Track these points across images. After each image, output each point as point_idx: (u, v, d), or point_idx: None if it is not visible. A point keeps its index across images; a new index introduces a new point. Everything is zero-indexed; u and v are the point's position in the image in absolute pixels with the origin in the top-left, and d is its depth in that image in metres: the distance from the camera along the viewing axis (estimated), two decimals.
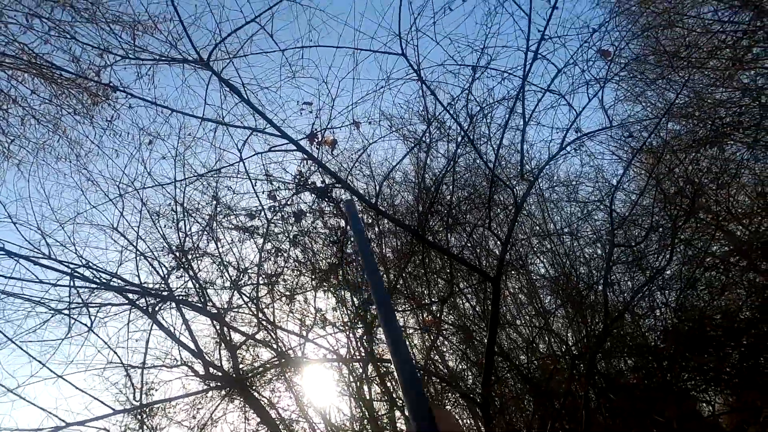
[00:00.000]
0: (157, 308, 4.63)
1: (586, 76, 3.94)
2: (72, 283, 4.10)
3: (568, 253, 5.86)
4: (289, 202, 4.10)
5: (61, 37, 4.74)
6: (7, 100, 5.34)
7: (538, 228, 6.35)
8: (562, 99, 3.60)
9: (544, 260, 6.38)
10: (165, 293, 4.81)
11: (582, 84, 3.66)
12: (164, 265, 4.99)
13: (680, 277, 4.82)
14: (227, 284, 4.92)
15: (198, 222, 5.14)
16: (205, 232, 4.93)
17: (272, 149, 3.63)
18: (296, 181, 3.85)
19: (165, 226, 5.19)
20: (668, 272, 4.89)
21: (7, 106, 5.55)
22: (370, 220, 4.51)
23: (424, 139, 4.34)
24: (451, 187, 4.66)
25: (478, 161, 4.18)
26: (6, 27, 4.99)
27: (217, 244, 4.61)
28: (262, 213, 4.14)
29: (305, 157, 3.68)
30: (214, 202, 4.44)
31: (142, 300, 4.49)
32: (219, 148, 4.49)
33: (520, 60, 3.35)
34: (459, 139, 3.88)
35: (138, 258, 4.77)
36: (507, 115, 3.64)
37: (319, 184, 3.91)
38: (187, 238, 5.04)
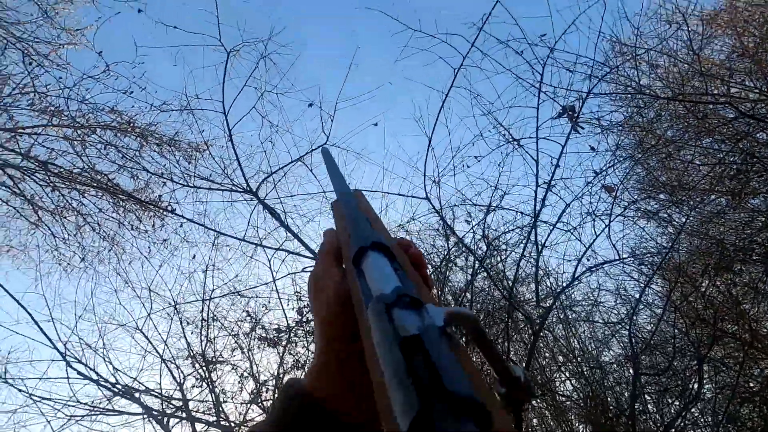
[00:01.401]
0: (169, 421, 4.64)
1: (592, 208, 4.33)
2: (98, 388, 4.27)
3: (594, 375, 5.70)
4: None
5: (130, 164, 5.55)
6: (73, 213, 6.05)
7: (562, 347, 6.26)
8: (572, 232, 3.92)
9: (571, 381, 6.18)
10: (180, 404, 4.85)
11: (589, 219, 4.01)
12: (183, 372, 5.09)
13: (714, 408, 4.61)
14: (245, 396, 4.94)
15: (224, 327, 5.35)
16: (231, 343, 5.11)
17: (305, 270, 3.98)
18: None
19: (192, 332, 5.41)
20: (700, 403, 4.69)
21: (66, 215, 6.25)
22: None
23: (441, 268, 4.64)
24: (470, 304, 4.84)
25: (495, 284, 4.41)
26: (84, 152, 5.90)
27: (245, 354, 4.75)
28: (288, 329, 4.35)
29: None
30: (246, 315, 4.69)
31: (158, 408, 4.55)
32: (252, 258, 4.91)
33: (532, 192, 3.77)
34: (476, 265, 4.16)
35: (160, 364, 4.92)
36: (522, 246, 3.95)
37: None
38: (210, 345, 5.21)
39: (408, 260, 0.49)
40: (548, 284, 4.32)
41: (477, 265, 4.30)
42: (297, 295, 4.20)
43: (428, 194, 3.51)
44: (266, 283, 4.10)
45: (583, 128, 3.39)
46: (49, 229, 6.02)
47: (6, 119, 5.02)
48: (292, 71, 4.30)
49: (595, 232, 3.84)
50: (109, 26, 5.14)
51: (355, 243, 0.46)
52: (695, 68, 5.73)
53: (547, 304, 4.05)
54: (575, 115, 3.23)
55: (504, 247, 4.28)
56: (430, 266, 4.49)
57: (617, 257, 3.99)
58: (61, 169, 5.65)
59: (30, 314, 3.87)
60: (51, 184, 5.67)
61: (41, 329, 4.06)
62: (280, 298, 4.05)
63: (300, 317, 4.22)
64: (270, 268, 4.45)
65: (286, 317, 4.14)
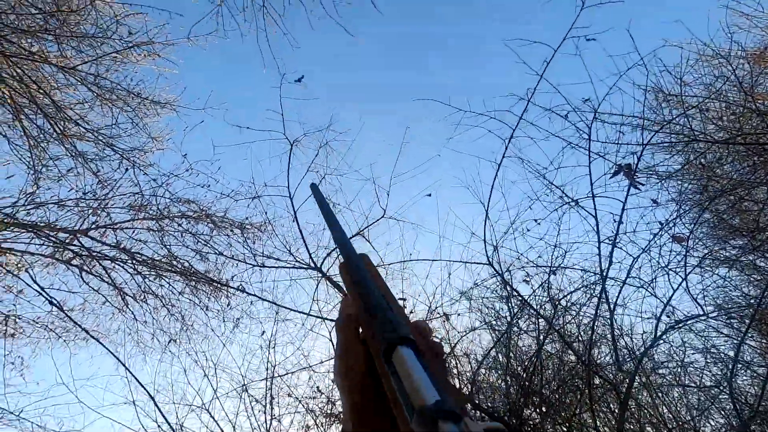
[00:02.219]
0: None
1: (664, 262, 4.13)
2: None
3: None
4: None
5: (205, 248, 6.08)
6: (153, 296, 6.58)
7: (649, 415, 5.63)
8: (645, 287, 3.74)
9: None
10: None
11: (662, 272, 3.83)
12: None
13: None
14: None
15: (289, 405, 5.36)
16: (298, 420, 5.09)
17: None
18: None
19: (258, 411, 5.46)
20: None
21: (147, 299, 6.79)
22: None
23: (507, 332, 4.52)
24: (540, 372, 4.58)
25: (569, 346, 4.19)
26: (165, 239, 6.53)
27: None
28: None
29: None
30: (317, 390, 4.72)
31: None
32: (316, 332, 5.02)
33: (595, 249, 3.68)
34: (543, 326, 4.02)
35: None
36: (593, 306, 3.80)
37: None
38: (276, 423, 5.21)
39: (427, 344, 0.55)
40: (624, 344, 4.05)
41: (546, 327, 4.15)
42: None
43: (490, 259, 3.55)
44: (329, 360, 4.16)
45: (642, 185, 3.37)
46: (132, 313, 6.55)
47: (104, 216, 5.73)
48: (349, 153, 4.68)
49: (672, 287, 3.64)
50: (191, 130, 5.93)
51: (382, 333, 0.50)
52: (749, 107, 5.59)
53: (628, 368, 3.76)
54: (632, 172, 3.24)
55: (573, 307, 4.12)
56: (495, 331, 4.37)
57: (702, 312, 3.71)
58: (146, 257, 6.27)
59: (153, 399, 4.09)
60: (136, 272, 6.27)
61: (159, 410, 4.26)
62: None
63: None
64: (331, 341, 4.54)
65: None
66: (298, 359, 4.90)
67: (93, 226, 5.91)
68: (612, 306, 3.86)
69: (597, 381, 4.11)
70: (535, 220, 3.61)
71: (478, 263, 3.58)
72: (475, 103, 3.45)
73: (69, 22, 5.90)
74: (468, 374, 4.18)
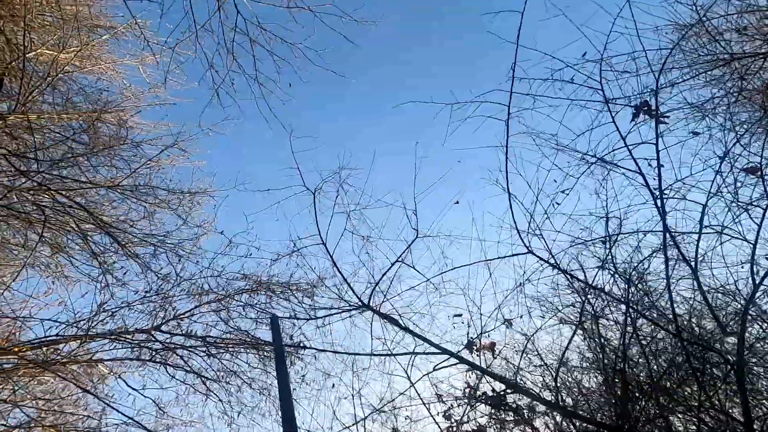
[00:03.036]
0: None
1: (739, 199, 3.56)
2: None
3: None
4: (465, 419, 3.93)
5: (263, 316, 6.22)
6: (232, 375, 6.76)
7: None
8: (722, 233, 3.23)
9: None
10: None
11: (740, 211, 3.29)
12: None
13: None
14: None
15: None
16: None
17: (436, 368, 3.78)
18: (466, 394, 3.79)
19: None
20: None
21: (228, 379, 6.97)
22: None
23: (584, 314, 4.07)
24: (641, 360, 4.01)
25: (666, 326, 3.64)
26: (229, 315, 6.78)
27: None
28: None
29: (469, 368, 3.71)
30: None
31: None
32: (388, 374, 4.81)
33: (653, 210, 3.25)
34: (628, 308, 3.56)
35: None
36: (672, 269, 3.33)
37: (489, 393, 3.77)
38: None
39: None
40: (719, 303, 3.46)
41: (630, 311, 3.66)
42: (437, 396, 3.92)
43: (529, 248, 3.25)
44: (402, 393, 3.93)
45: (668, 116, 2.98)
46: (217, 396, 6.73)
47: (169, 309, 6.08)
48: (367, 186, 4.66)
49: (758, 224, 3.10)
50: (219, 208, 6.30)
51: None
52: None
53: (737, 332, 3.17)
54: (652, 108, 2.89)
55: (650, 278, 3.63)
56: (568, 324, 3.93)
57: None
58: (216, 339, 6.51)
59: None
60: (209, 354, 6.51)
61: None
62: (423, 402, 3.82)
63: (448, 422, 3.88)
64: (407, 375, 4.31)
65: (436, 422, 3.84)
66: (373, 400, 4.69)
67: (164, 320, 6.28)
68: (694, 263, 3.35)
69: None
70: (564, 191, 3.28)
71: (516, 254, 3.29)
72: (462, 93, 3.31)
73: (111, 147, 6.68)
74: (547, 378, 3.76)
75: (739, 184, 3.67)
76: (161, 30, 4.56)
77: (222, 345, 6.39)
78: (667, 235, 3.09)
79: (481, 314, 3.75)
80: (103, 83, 6.72)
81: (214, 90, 4.54)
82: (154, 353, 6.19)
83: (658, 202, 3.05)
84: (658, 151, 2.91)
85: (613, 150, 3.24)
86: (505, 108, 3.13)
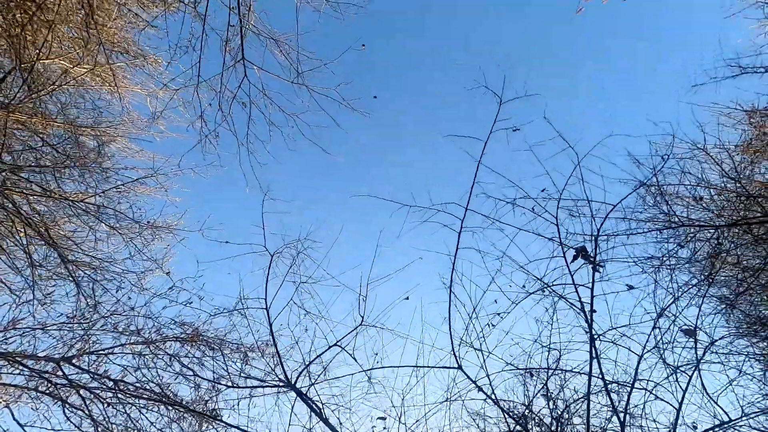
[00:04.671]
0: None
1: (674, 360, 3.65)
2: None
3: None
4: None
5: (188, 372, 5.76)
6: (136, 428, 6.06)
7: None
8: (650, 391, 3.26)
9: None
10: None
11: (669, 372, 3.36)
12: None
13: None
14: None
15: None
16: None
17: None
18: None
19: None
20: None
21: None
22: None
23: None
24: None
25: None
26: (154, 362, 6.26)
27: None
28: None
29: None
30: None
31: None
32: None
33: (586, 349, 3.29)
34: None
35: None
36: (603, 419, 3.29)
37: None
38: None
39: None
40: None
41: None
42: None
43: (459, 364, 3.20)
44: None
45: (603, 266, 3.15)
46: None
47: (89, 342, 5.62)
48: (325, 261, 4.65)
49: (681, 387, 3.15)
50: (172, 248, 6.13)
51: None
52: (742, 192, 5.52)
53: None
54: (589, 255, 3.07)
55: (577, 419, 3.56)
56: None
57: (734, 416, 3.15)
58: (129, 386, 5.94)
59: None
60: (119, 401, 5.88)
61: None
62: None
63: None
64: None
65: None
66: None
67: (78, 353, 5.76)
68: (621, 416, 3.32)
69: None
70: (499, 314, 3.32)
71: (447, 367, 3.21)
72: (422, 198, 3.48)
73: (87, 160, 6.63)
74: None
75: (676, 343, 3.79)
76: (172, 67, 4.82)
77: (134, 394, 5.82)
78: (592, 380, 3.10)
79: (405, 423, 3.56)
80: (103, 102, 6.87)
81: (201, 138, 4.68)
82: (54, 387, 5.58)
83: (590, 345, 3.10)
84: (592, 297, 3.03)
85: (562, 284, 3.35)
86: (458, 221, 3.29)
